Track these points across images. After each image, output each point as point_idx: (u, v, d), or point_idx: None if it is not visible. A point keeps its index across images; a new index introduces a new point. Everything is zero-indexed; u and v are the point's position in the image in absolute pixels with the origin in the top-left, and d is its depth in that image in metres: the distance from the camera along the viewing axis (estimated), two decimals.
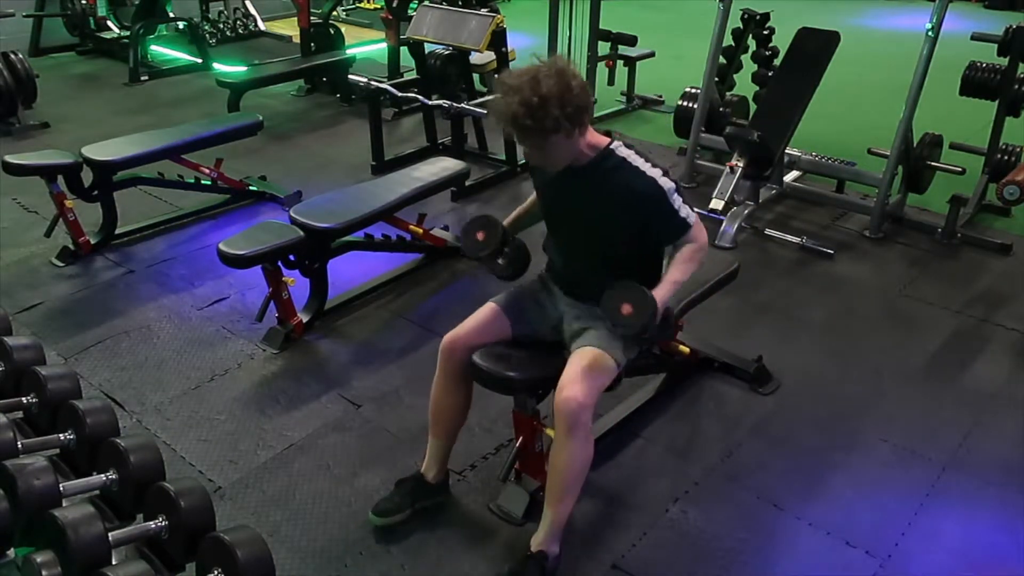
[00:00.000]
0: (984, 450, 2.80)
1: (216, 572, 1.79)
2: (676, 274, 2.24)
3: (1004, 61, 4.39)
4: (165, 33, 7.68)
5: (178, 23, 7.49)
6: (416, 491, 2.45)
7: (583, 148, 2.15)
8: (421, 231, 3.83)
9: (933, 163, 4.49)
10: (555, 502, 2.24)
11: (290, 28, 7.79)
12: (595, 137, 2.19)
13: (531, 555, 2.24)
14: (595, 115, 4.75)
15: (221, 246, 3.11)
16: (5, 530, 1.90)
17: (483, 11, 4.97)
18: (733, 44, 5.30)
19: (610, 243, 2.29)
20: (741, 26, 5.25)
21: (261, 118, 4.69)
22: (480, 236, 2.40)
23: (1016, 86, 4.37)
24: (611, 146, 2.20)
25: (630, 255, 2.32)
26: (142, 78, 6.91)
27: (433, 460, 2.47)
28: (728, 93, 5.35)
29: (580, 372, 2.17)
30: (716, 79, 5.03)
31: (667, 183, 2.19)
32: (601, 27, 5.78)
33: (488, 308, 2.41)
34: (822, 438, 2.86)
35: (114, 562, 1.84)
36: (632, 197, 2.18)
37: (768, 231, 4.30)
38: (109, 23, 7.69)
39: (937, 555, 2.39)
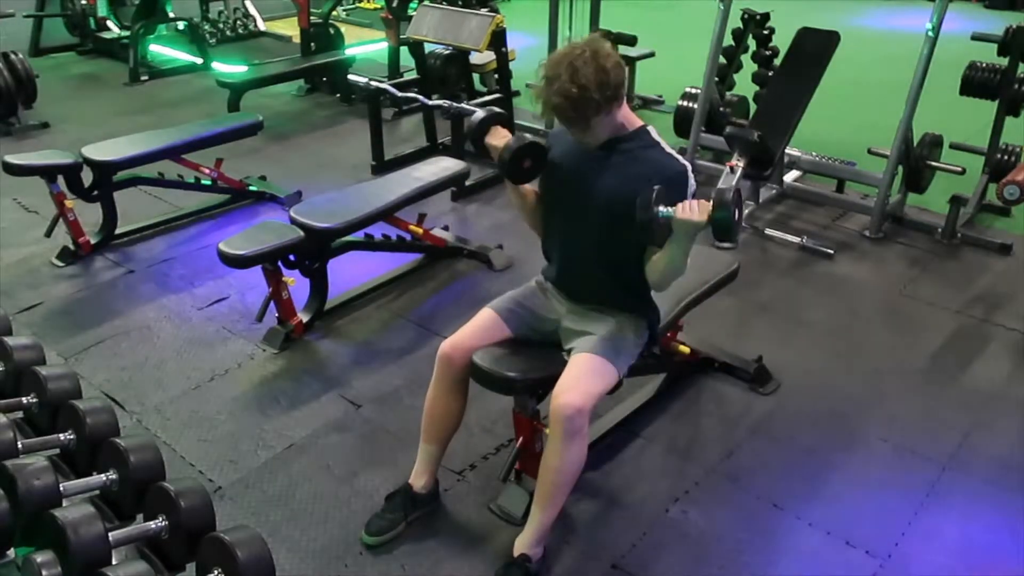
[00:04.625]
0: (984, 450, 2.80)
1: (216, 572, 1.79)
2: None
3: (1004, 61, 4.39)
4: (165, 33, 7.66)
5: (178, 23, 7.48)
6: (407, 504, 2.44)
7: (621, 121, 2.17)
8: (421, 231, 3.83)
9: (933, 163, 4.49)
10: (545, 505, 2.24)
11: (290, 28, 7.78)
12: (630, 114, 2.22)
13: (514, 560, 2.24)
14: None
15: (221, 246, 3.11)
16: (5, 530, 1.90)
17: (483, 11, 4.96)
18: (733, 44, 5.29)
19: (622, 227, 2.20)
20: (741, 26, 5.24)
21: (261, 118, 4.69)
22: (528, 165, 2.28)
23: (1016, 86, 4.36)
24: (647, 127, 2.24)
25: (634, 254, 2.28)
26: (142, 78, 6.91)
27: (423, 467, 2.46)
28: (728, 93, 5.34)
29: (578, 377, 2.17)
30: (716, 79, 5.03)
31: (693, 180, 2.21)
32: (601, 27, 5.78)
33: (486, 314, 2.41)
34: (822, 438, 2.86)
35: (114, 562, 1.84)
36: (662, 174, 2.15)
37: (768, 231, 4.30)
38: (109, 23, 7.67)
39: (937, 555, 2.39)
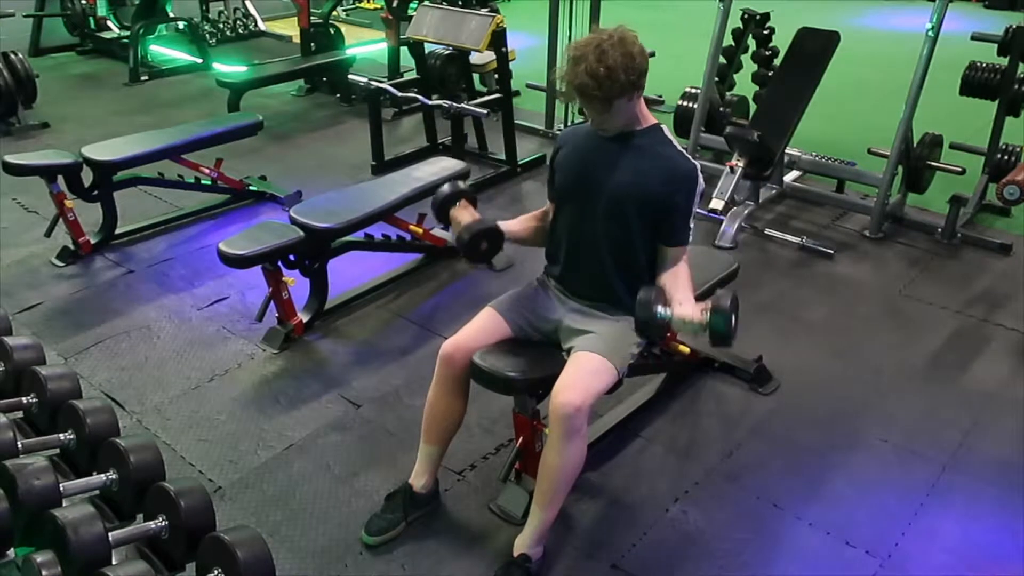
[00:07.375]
0: (984, 450, 2.80)
1: (216, 572, 1.79)
2: (687, 290, 2.24)
3: (1004, 61, 4.39)
4: (165, 33, 7.67)
5: (178, 23, 7.49)
6: (407, 504, 2.43)
7: (638, 113, 2.22)
8: (421, 231, 3.83)
9: (933, 163, 4.49)
10: (545, 504, 2.24)
11: (290, 28, 7.78)
12: (646, 110, 2.26)
13: (513, 560, 2.25)
14: None
15: (221, 246, 3.11)
16: (5, 530, 1.90)
17: (483, 11, 4.96)
18: (733, 44, 5.29)
19: (631, 220, 2.24)
20: (741, 26, 5.24)
21: (261, 118, 4.69)
22: (484, 247, 2.39)
23: (1016, 86, 4.37)
24: (660, 125, 2.28)
25: (641, 251, 2.29)
26: (142, 78, 6.91)
27: (424, 467, 2.46)
28: (728, 93, 5.34)
29: (578, 376, 2.17)
30: (716, 79, 5.03)
31: (701, 180, 2.25)
32: (601, 27, 5.77)
33: (487, 313, 2.41)
34: (822, 438, 2.86)
35: (114, 562, 1.84)
36: (672, 170, 2.21)
37: (768, 231, 4.30)
38: (109, 23, 7.68)
39: (937, 555, 2.40)
